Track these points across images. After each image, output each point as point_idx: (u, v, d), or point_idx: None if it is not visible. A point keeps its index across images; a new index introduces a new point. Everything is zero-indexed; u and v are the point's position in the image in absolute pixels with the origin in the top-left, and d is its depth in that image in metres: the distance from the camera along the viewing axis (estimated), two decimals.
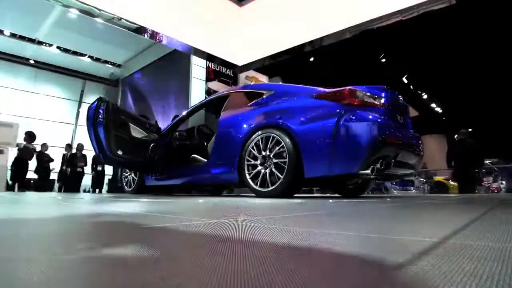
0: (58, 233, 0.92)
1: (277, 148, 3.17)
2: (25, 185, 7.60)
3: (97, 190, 8.67)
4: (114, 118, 3.59)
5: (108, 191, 9.41)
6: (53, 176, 8.89)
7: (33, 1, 7.48)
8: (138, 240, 0.77)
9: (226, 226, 1.01)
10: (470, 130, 7.24)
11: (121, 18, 5.98)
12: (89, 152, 7.91)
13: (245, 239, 0.76)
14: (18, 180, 7.30)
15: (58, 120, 11.30)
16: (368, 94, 3.11)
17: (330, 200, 3.02)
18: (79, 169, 8.31)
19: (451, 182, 11.48)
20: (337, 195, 4.39)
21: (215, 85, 8.92)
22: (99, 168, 8.39)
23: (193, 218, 1.26)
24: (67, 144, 9.03)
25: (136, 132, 4.00)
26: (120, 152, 3.57)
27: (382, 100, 3.15)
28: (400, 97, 3.51)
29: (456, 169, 6.86)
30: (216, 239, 0.77)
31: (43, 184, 8.27)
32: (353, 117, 2.94)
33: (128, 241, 0.77)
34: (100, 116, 3.51)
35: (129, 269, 0.48)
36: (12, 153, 6.84)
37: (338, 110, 3.02)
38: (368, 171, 2.82)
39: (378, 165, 2.83)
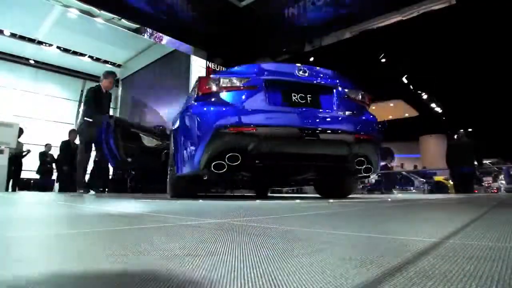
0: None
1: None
2: (19, 185, 7.59)
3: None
4: (122, 132, 4.14)
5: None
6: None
7: (33, 1, 7.47)
8: None
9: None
10: (470, 130, 7.22)
11: (121, 18, 5.99)
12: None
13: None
14: (15, 179, 7.28)
15: (58, 120, 11.29)
16: (224, 78, 2.68)
17: (293, 201, 2.73)
18: None
19: (451, 182, 11.48)
20: (317, 195, 4.08)
21: None
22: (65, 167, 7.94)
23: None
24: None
25: (150, 141, 4.44)
26: (129, 159, 4.14)
27: (247, 81, 2.65)
28: (307, 72, 2.79)
29: (452, 169, 6.85)
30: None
31: (44, 184, 8.24)
32: (190, 109, 2.66)
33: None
34: (110, 131, 4.04)
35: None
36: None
37: (186, 104, 2.84)
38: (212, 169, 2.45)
39: (227, 160, 2.41)
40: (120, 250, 0.63)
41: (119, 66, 11.60)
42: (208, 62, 8.74)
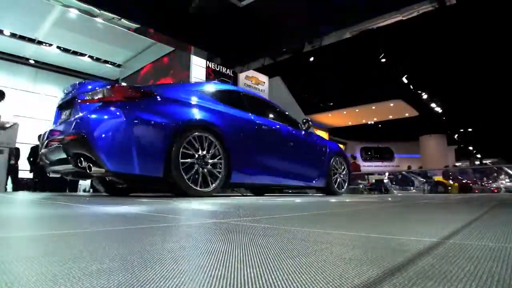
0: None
1: None
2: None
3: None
4: None
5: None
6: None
7: (33, 1, 7.47)
8: None
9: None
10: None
11: (121, 18, 5.98)
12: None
13: None
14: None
15: None
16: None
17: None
18: None
19: (451, 182, 11.49)
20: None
21: None
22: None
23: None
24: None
25: None
26: None
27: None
28: (67, 89, 3.31)
29: None
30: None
31: (41, 183, 8.17)
32: None
33: None
34: None
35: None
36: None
37: None
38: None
39: None
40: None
41: (119, 66, 11.59)
42: (208, 62, 8.74)
